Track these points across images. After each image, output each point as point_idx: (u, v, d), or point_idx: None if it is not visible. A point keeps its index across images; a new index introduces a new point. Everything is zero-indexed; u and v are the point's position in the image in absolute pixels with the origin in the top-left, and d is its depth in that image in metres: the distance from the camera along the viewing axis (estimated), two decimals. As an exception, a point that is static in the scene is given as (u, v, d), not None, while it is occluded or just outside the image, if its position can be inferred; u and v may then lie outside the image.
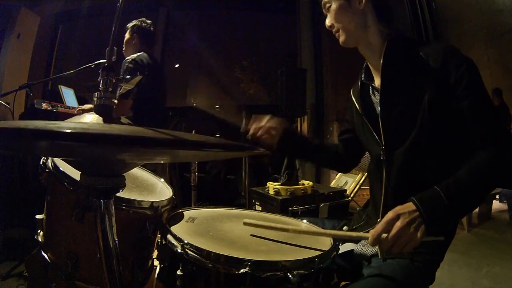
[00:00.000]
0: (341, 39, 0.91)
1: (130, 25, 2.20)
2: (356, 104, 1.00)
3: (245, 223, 0.86)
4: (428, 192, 0.74)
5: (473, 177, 0.74)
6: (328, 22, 0.92)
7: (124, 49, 2.22)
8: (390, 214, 0.72)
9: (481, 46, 3.24)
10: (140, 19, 2.23)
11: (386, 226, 0.70)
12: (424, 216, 0.70)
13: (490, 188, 0.78)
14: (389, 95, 0.88)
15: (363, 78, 0.98)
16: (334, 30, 0.92)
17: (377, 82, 0.94)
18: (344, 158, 1.14)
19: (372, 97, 0.96)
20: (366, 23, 0.89)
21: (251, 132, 1.03)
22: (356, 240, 0.94)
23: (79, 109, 2.21)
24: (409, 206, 0.72)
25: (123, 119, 0.61)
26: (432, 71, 0.80)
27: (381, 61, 0.87)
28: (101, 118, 0.57)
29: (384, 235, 0.70)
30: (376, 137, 0.92)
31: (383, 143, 0.90)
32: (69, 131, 0.37)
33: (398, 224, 0.70)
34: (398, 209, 0.72)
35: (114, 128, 0.45)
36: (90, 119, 0.57)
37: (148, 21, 2.25)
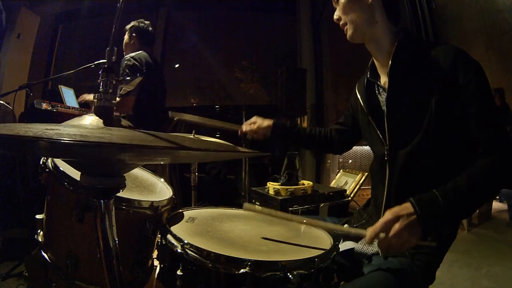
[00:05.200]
0: (348, 33, 0.91)
1: (128, 26, 2.20)
2: (361, 102, 0.99)
3: (245, 209, 0.90)
4: (427, 195, 0.75)
5: (472, 185, 0.74)
6: (336, 15, 0.92)
7: (124, 51, 2.22)
8: (389, 216, 0.73)
9: (481, 46, 3.23)
10: (138, 20, 2.23)
11: (385, 227, 0.72)
12: (421, 219, 0.71)
13: (486, 196, 0.79)
14: (396, 96, 0.87)
15: (368, 75, 0.97)
16: (341, 23, 0.91)
17: (383, 80, 0.94)
18: (336, 144, 1.23)
19: (378, 96, 0.96)
20: (374, 19, 0.88)
21: (240, 133, 1.20)
22: (356, 239, 0.94)
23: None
24: (407, 208, 0.73)
25: (124, 121, 0.61)
26: (441, 73, 0.79)
27: (390, 61, 0.87)
28: (101, 120, 0.57)
29: (382, 234, 0.72)
30: (381, 136, 0.91)
31: (387, 143, 0.89)
32: (68, 139, 0.37)
33: (397, 227, 0.71)
34: (397, 210, 0.73)
35: (113, 134, 0.45)
36: (90, 121, 0.57)
37: (146, 22, 2.25)
